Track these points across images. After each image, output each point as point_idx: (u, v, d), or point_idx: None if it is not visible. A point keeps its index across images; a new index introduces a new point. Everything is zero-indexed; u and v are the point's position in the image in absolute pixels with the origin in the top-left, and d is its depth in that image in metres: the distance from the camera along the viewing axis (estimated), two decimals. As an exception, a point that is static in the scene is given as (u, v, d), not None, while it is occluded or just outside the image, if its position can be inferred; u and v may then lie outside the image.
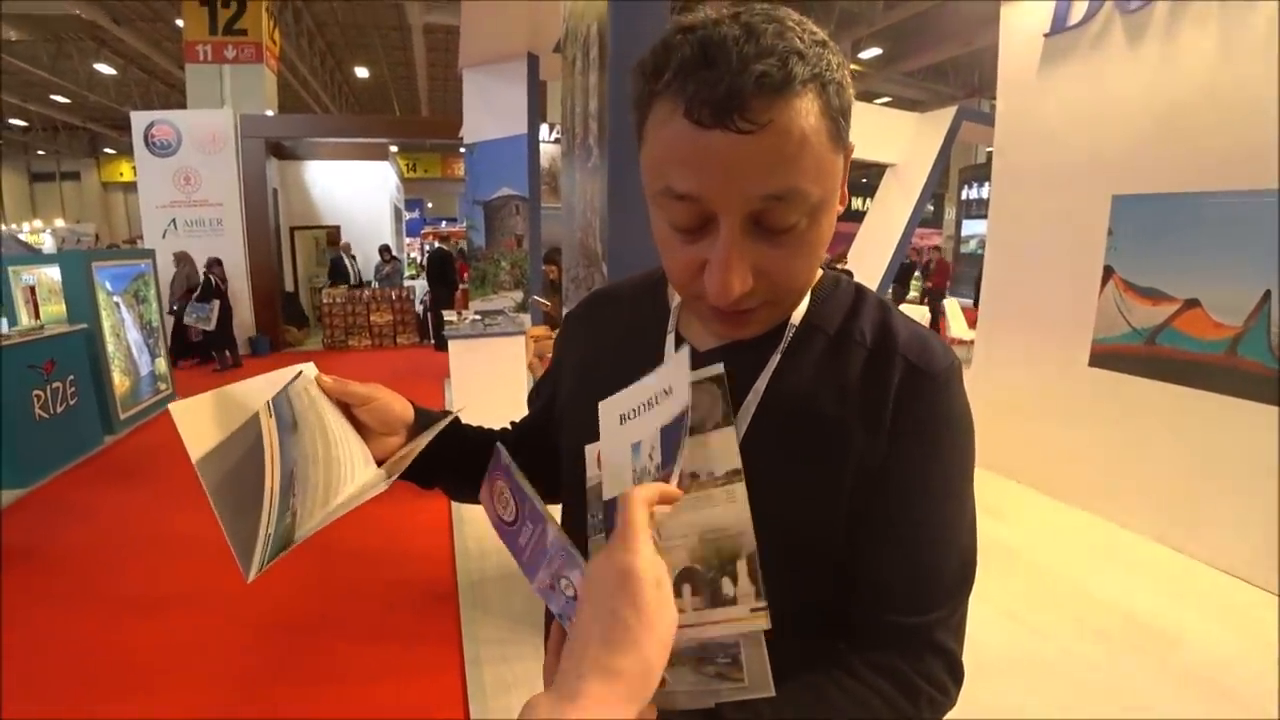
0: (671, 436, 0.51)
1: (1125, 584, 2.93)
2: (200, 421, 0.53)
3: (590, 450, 0.61)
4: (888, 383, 0.56)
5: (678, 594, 0.49)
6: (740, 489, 0.50)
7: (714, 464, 0.52)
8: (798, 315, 0.60)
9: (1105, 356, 3.62)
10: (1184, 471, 3.22)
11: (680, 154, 0.48)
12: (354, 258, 10.48)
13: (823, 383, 0.58)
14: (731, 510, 0.50)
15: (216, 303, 7.54)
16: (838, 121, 0.49)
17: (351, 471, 0.62)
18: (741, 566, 0.48)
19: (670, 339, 0.65)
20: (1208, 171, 3.11)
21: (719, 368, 0.53)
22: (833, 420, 0.56)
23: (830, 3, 11.78)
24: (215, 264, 7.86)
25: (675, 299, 0.67)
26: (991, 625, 2.55)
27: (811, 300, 0.61)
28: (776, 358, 0.59)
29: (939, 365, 0.57)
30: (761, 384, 0.58)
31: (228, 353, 7.89)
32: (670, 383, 0.53)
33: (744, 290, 0.51)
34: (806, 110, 0.46)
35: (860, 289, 0.64)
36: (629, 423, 0.56)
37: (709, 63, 0.45)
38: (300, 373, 0.62)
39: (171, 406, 0.52)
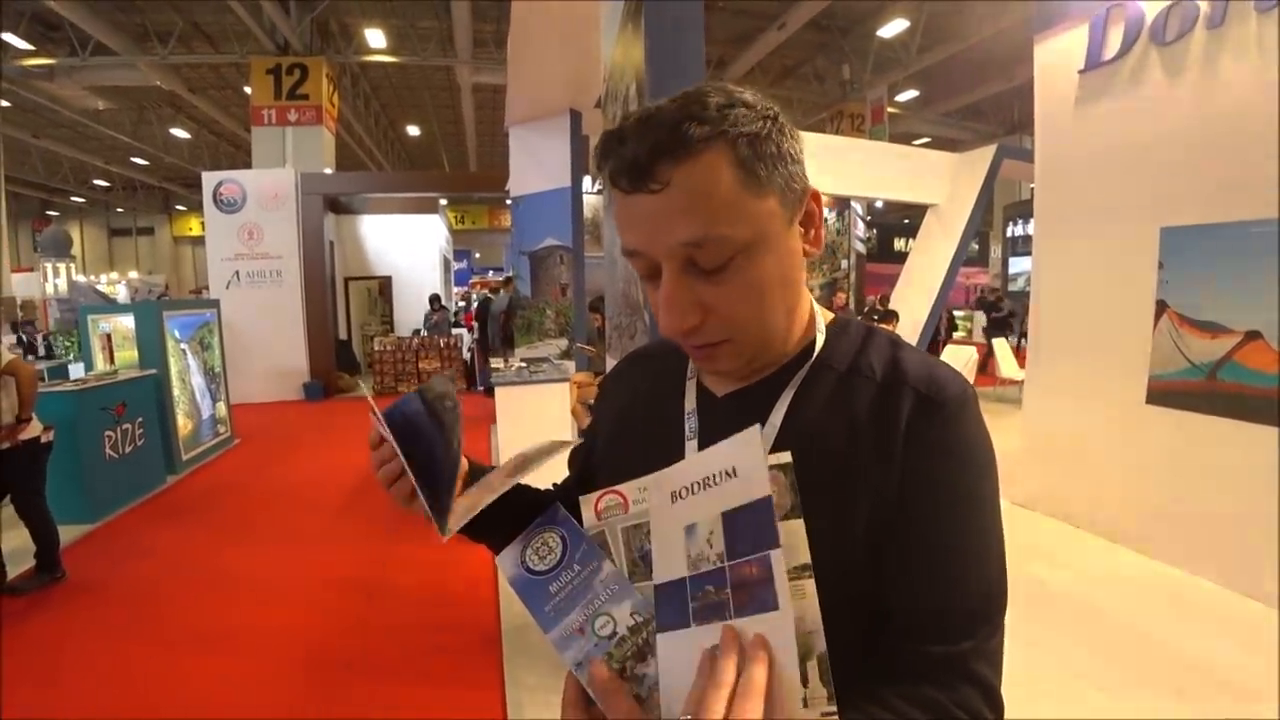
0: (743, 524, 0.49)
1: (1195, 634, 2.76)
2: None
3: (586, 501, 0.59)
4: (898, 414, 0.57)
5: None
6: (810, 585, 0.48)
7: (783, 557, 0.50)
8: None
9: (1163, 393, 3.49)
10: (1252, 512, 3.04)
11: (621, 218, 0.57)
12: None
13: (834, 418, 0.59)
14: (801, 606, 0.48)
15: None
16: (753, 169, 0.54)
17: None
18: (812, 667, 0.46)
19: (690, 385, 0.68)
20: (1259, 199, 3.02)
21: (786, 456, 0.52)
22: (845, 455, 0.57)
23: (865, 46, 11.97)
24: None
25: None
26: (1049, 674, 2.43)
27: (824, 340, 0.64)
28: (789, 396, 0.61)
29: (949, 393, 0.58)
30: (775, 421, 0.60)
31: None
32: (734, 464, 0.50)
33: (686, 325, 0.56)
34: (709, 165, 0.53)
35: (870, 329, 0.66)
36: (681, 502, 0.53)
37: (621, 140, 0.55)
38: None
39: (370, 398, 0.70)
